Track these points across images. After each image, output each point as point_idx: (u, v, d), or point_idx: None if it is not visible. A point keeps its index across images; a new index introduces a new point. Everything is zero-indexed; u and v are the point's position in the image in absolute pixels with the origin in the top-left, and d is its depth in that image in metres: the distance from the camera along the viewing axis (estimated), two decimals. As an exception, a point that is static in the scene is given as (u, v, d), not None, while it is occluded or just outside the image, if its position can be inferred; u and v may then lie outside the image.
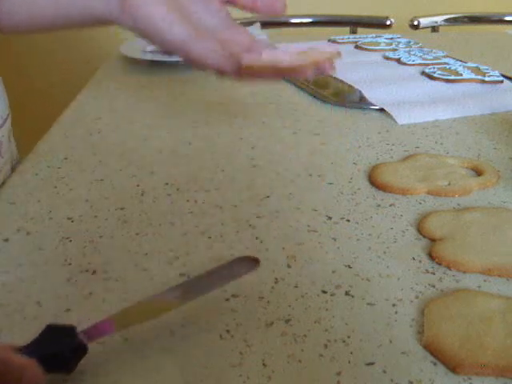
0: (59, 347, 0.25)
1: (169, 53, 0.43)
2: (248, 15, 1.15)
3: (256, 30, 1.08)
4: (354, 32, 1.42)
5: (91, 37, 1.54)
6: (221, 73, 0.42)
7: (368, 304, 0.31)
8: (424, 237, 0.37)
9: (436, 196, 0.43)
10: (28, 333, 0.29)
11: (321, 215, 0.41)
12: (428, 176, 0.45)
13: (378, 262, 0.35)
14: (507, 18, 1.45)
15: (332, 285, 0.33)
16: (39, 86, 1.62)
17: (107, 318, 0.28)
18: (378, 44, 0.98)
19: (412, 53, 0.89)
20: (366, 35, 1.09)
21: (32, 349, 0.25)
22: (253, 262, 0.32)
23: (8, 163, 0.57)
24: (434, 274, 0.33)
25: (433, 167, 0.47)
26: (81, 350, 0.26)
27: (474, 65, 0.78)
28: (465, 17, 1.46)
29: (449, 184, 0.44)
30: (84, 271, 0.34)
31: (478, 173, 0.47)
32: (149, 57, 0.91)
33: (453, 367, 0.26)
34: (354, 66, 0.83)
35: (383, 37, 1.06)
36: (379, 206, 0.42)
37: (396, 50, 0.94)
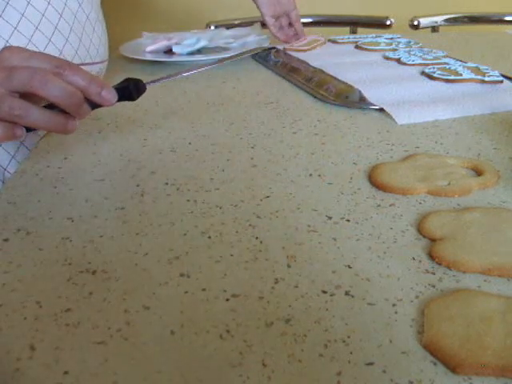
0: (127, 84, 0.46)
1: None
2: (247, 15, 1.14)
3: (256, 30, 1.08)
4: (354, 32, 1.42)
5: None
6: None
7: (368, 304, 0.31)
8: (424, 237, 0.37)
9: (436, 196, 0.43)
10: (28, 333, 0.29)
11: (321, 215, 0.41)
12: (428, 176, 0.45)
13: (377, 262, 0.35)
14: (507, 18, 1.45)
15: (332, 285, 0.33)
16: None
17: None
18: (378, 44, 0.98)
19: (412, 53, 0.89)
20: (366, 35, 1.09)
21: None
22: None
23: None
24: (434, 273, 0.33)
25: (433, 167, 0.47)
26: (142, 88, 0.48)
27: (474, 65, 0.78)
28: (465, 17, 1.46)
29: (449, 184, 0.44)
30: (84, 271, 0.34)
31: (478, 173, 0.47)
32: (149, 57, 0.91)
33: (453, 367, 0.26)
34: (354, 66, 0.83)
35: (383, 37, 1.06)
36: (379, 205, 0.42)
37: (396, 49, 0.94)
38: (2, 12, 0.53)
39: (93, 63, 0.67)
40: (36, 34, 0.56)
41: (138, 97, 0.48)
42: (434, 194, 0.43)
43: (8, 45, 0.53)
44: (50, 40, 0.58)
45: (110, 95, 0.43)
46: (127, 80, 0.47)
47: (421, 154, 0.50)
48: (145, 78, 0.50)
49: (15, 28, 0.54)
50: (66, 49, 0.61)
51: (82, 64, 0.64)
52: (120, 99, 0.45)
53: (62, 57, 0.60)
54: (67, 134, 0.43)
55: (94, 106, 0.44)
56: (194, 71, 0.57)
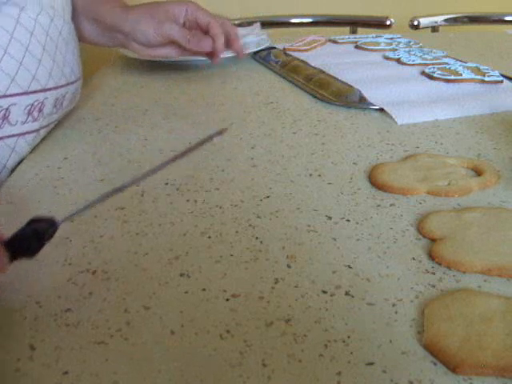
0: (22, 232, 0.29)
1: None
2: (247, 15, 1.15)
3: (256, 29, 1.08)
4: (354, 32, 1.42)
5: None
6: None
7: (368, 304, 0.31)
8: (424, 237, 0.37)
9: (436, 196, 0.43)
10: (28, 332, 0.29)
11: (321, 215, 0.41)
12: (428, 176, 0.45)
13: (378, 262, 0.35)
14: (507, 18, 1.45)
15: (332, 285, 0.33)
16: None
17: None
18: (378, 44, 0.98)
19: (412, 53, 0.89)
20: (366, 35, 1.09)
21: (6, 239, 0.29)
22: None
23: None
24: (434, 273, 0.33)
25: (433, 167, 0.47)
26: (42, 237, 0.29)
27: (474, 65, 0.78)
28: (465, 17, 1.47)
29: (449, 184, 0.44)
30: (84, 271, 0.34)
31: (478, 173, 0.47)
32: (149, 57, 0.91)
33: (453, 367, 0.26)
34: (354, 66, 0.83)
35: (383, 37, 1.06)
36: (379, 206, 0.42)
37: (396, 50, 0.94)
38: None
39: (67, 84, 0.59)
40: (5, 58, 0.49)
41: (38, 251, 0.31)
42: (434, 194, 0.43)
43: None
44: (21, 64, 0.51)
45: None
46: (33, 221, 0.31)
47: (421, 154, 0.50)
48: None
49: None
50: (40, 72, 0.53)
51: (57, 87, 0.57)
52: (19, 254, 0.30)
53: (35, 81, 0.53)
54: None
55: None
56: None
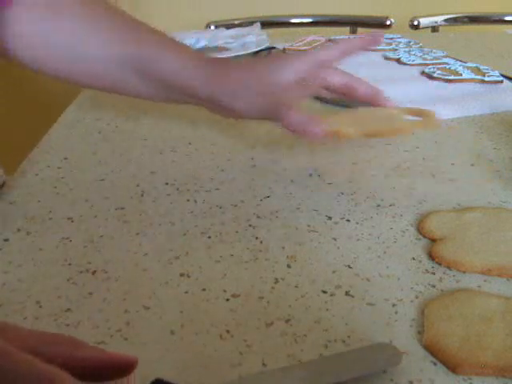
0: None
1: None
2: (247, 15, 1.14)
3: (256, 29, 1.08)
4: (354, 32, 1.42)
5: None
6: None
7: (368, 304, 0.31)
8: (424, 237, 0.37)
9: (370, 138, 0.44)
10: (28, 333, 0.29)
11: (321, 215, 0.41)
12: (366, 122, 0.44)
13: (378, 262, 0.35)
14: (507, 18, 1.45)
15: (332, 285, 0.33)
16: (42, 85, 1.62)
17: None
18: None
19: (412, 53, 0.89)
20: (365, 35, 1.09)
21: None
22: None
23: None
24: (434, 273, 0.33)
25: (372, 115, 0.46)
26: None
27: (474, 65, 0.78)
28: (465, 17, 1.46)
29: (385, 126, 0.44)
30: (84, 271, 0.34)
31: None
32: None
33: (453, 367, 0.26)
34: (354, 66, 0.83)
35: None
36: (379, 205, 0.42)
37: (396, 50, 0.94)
38: None
39: None
40: None
41: None
42: (369, 136, 0.43)
43: None
44: None
45: None
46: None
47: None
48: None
49: None
50: None
51: None
52: None
53: None
54: None
55: None
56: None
